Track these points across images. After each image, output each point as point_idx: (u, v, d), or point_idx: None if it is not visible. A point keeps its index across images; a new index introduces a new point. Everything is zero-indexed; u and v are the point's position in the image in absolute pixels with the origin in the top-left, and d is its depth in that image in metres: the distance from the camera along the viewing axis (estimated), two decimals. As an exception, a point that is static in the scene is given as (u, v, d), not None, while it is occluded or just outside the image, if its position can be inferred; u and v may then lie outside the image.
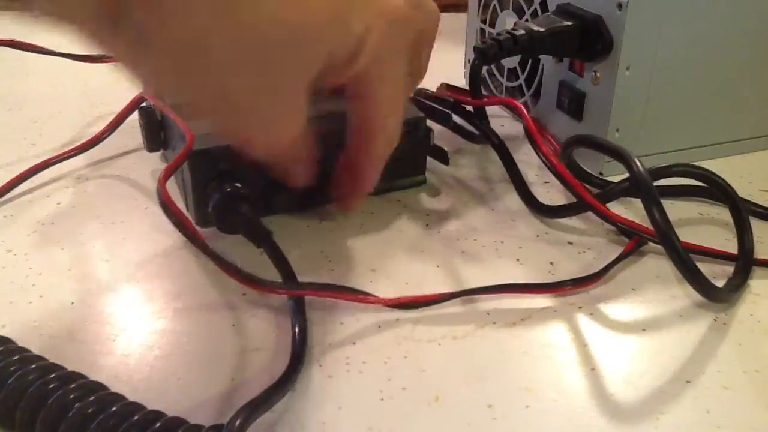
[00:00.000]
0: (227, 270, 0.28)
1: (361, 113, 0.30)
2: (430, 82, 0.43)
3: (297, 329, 0.26)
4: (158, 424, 0.20)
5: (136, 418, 0.20)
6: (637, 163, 0.29)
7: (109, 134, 0.42)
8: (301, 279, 0.30)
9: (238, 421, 0.20)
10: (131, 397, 0.22)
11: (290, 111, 0.26)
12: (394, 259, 0.32)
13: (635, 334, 0.27)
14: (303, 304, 0.28)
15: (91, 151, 0.41)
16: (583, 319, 0.28)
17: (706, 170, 0.33)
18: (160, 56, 0.22)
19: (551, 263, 0.32)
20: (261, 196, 0.33)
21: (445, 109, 0.40)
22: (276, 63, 0.24)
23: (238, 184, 0.30)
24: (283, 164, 0.30)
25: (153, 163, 0.40)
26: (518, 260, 0.32)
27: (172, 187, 0.33)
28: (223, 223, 0.30)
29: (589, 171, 0.37)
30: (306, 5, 0.23)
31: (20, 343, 0.24)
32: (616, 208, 0.36)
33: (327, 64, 0.25)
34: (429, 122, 0.37)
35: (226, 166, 0.31)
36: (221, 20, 0.21)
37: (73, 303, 0.29)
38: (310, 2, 0.23)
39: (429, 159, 0.38)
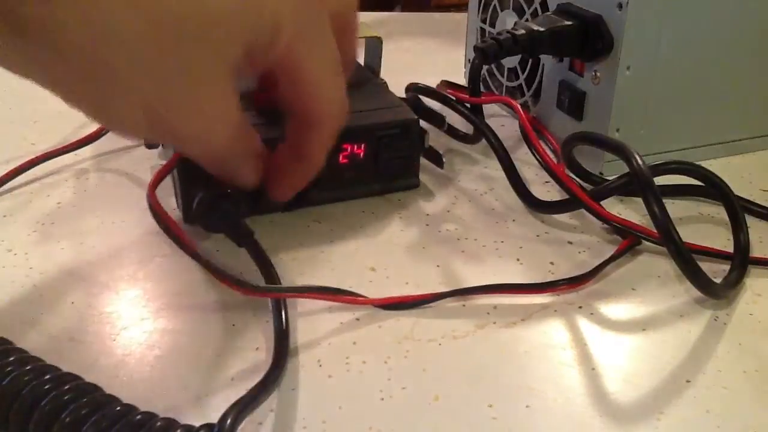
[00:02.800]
0: (213, 273, 0.28)
1: (297, 95, 0.29)
2: (430, 81, 0.43)
3: (278, 327, 0.26)
4: (150, 425, 0.20)
5: (128, 419, 0.20)
6: (637, 157, 0.29)
7: (108, 131, 0.42)
8: (301, 279, 0.30)
9: (228, 421, 0.21)
10: (131, 397, 0.22)
11: (215, 103, 0.25)
12: (394, 258, 0.32)
13: (635, 333, 0.27)
14: (284, 304, 0.27)
15: (90, 146, 0.41)
16: (583, 319, 0.28)
17: (702, 168, 0.33)
18: (67, 61, 0.21)
19: (551, 263, 0.32)
20: (249, 196, 0.32)
21: (440, 113, 0.40)
22: (191, 55, 0.23)
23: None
24: (225, 165, 0.29)
25: (153, 159, 0.40)
26: (518, 260, 0.32)
27: (168, 185, 0.33)
28: (206, 221, 0.31)
29: (589, 170, 0.37)
30: None
31: (20, 344, 0.24)
32: (615, 207, 0.36)
33: (247, 51, 0.25)
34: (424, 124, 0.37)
35: None
36: (128, 11, 0.21)
37: (73, 303, 0.29)
38: None
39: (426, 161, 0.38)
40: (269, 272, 0.29)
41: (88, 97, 0.24)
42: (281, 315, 0.27)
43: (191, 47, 0.23)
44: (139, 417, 0.21)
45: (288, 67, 0.27)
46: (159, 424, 0.21)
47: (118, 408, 0.21)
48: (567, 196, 0.34)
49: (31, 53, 0.21)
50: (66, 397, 0.21)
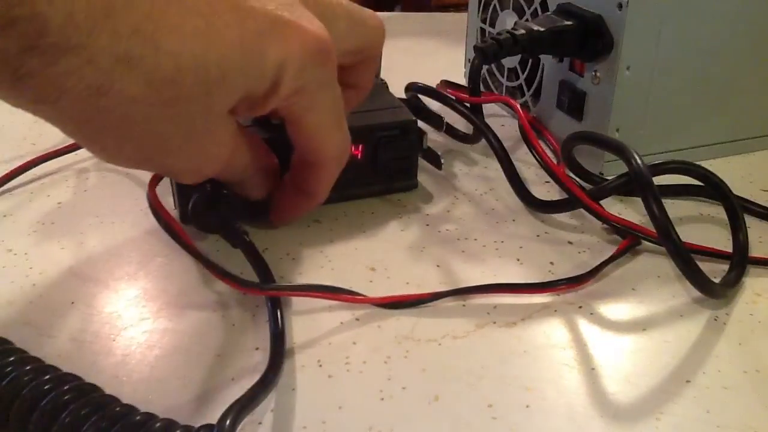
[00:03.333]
0: (214, 271, 0.28)
1: (299, 141, 0.29)
2: (430, 81, 0.43)
3: (274, 327, 0.26)
4: (150, 426, 0.20)
5: (128, 419, 0.20)
6: (637, 157, 0.29)
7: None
8: (301, 278, 0.30)
9: (227, 421, 0.21)
10: (131, 397, 0.22)
11: (209, 145, 0.26)
12: (394, 258, 0.32)
13: (635, 333, 0.27)
14: (279, 304, 0.27)
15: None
16: (583, 319, 0.28)
17: (702, 168, 0.33)
18: (66, 109, 0.22)
19: (551, 263, 0.32)
20: (247, 205, 0.32)
21: (438, 114, 0.39)
22: (187, 108, 0.23)
23: (220, 184, 0.30)
24: (230, 183, 0.30)
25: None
26: (518, 260, 0.32)
27: (166, 185, 0.33)
28: (201, 222, 0.31)
29: (589, 170, 0.37)
30: (216, 41, 0.23)
31: (20, 344, 0.24)
32: (615, 207, 0.36)
33: (245, 98, 0.25)
34: (422, 125, 0.37)
35: None
36: (126, 73, 0.21)
37: (73, 303, 0.29)
38: (220, 37, 0.23)
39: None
40: (264, 273, 0.29)
41: (77, 135, 0.24)
42: (277, 314, 0.27)
43: (187, 100, 0.23)
44: (138, 417, 0.21)
45: (288, 115, 0.28)
46: (158, 424, 0.21)
47: (118, 408, 0.21)
48: (567, 196, 0.34)
49: (27, 103, 0.22)
50: (66, 397, 0.21)
